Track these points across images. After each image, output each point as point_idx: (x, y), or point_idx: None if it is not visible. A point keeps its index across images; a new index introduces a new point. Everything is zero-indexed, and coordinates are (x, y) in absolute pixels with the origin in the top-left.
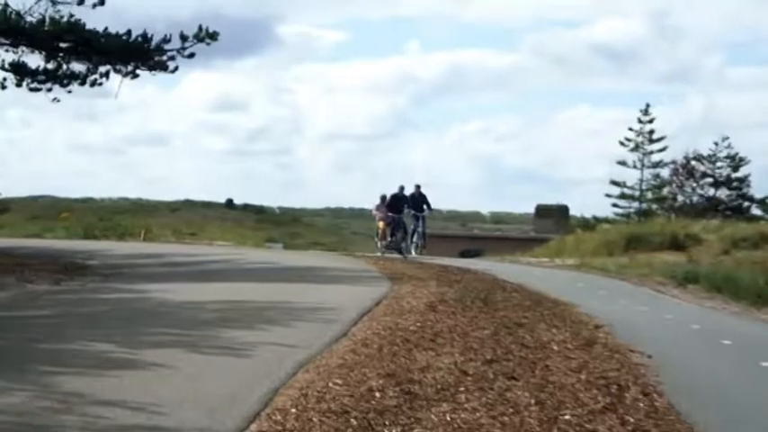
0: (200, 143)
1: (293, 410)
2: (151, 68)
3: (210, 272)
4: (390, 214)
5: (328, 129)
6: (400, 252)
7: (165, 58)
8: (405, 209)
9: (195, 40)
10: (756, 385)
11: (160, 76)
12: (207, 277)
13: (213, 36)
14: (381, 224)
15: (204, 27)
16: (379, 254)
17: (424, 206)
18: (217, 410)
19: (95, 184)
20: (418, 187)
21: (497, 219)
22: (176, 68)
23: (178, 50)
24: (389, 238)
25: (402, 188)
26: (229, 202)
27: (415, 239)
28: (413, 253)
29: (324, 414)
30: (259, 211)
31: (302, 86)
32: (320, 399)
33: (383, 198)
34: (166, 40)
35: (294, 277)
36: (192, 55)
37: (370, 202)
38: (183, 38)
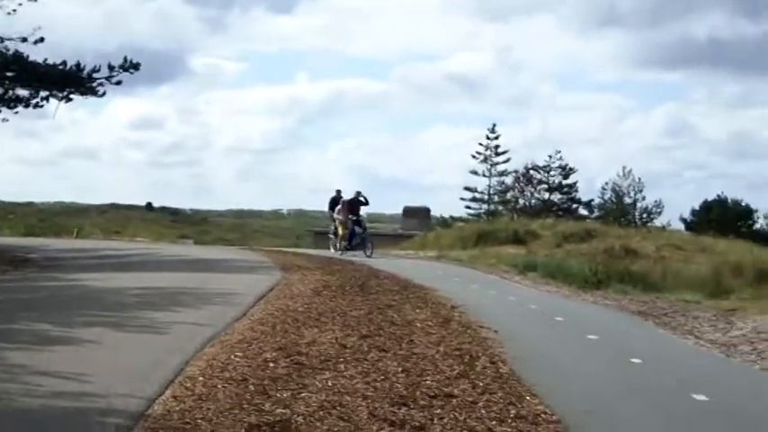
0: (123, 156)
1: (201, 378)
2: (83, 93)
3: (132, 263)
4: (351, 216)
5: (231, 144)
6: (363, 250)
7: (95, 84)
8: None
9: (121, 70)
10: (583, 353)
11: (91, 99)
12: (129, 268)
13: (136, 66)
14: (341, 225)
15: (129, 59)
16: (338, 253)
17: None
18: (137, 379)
19: (36, 191)
20: (358, 193)
21: (373, 218)
22: (104, 93)
23: (106, 78)
24: (350, 240)
25: (339, 192)
26: (149, 206)
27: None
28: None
29: (227, 381)
30: (174, 213)
31: (210, 108)
32: (224, 368)
33: (336, 200)
34: (96, 69)
35: (202, 268)
36: (119, 82)
37: (266, 204)
38: (111, 68)
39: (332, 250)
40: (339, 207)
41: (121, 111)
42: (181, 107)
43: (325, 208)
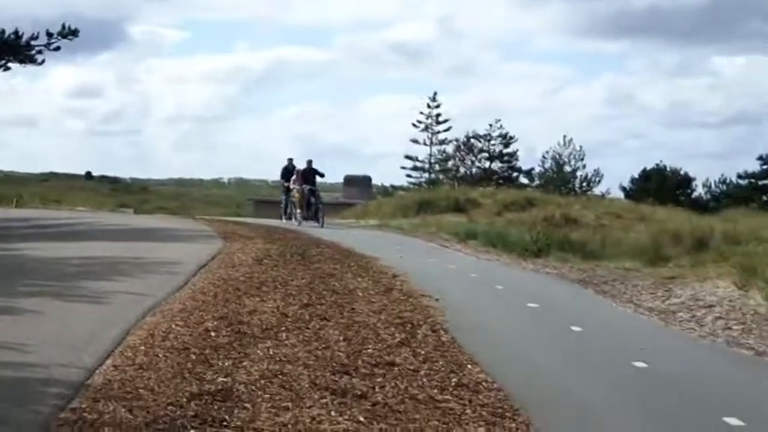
0: (63, 124)
1: (142, 348)
2: (21, 61)
3: (73, 233)
4: (306, 186)
5: (172, 112)
6: (317, 221)
7: (33, 52)
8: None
9: (59, 37)
10: (524, 321)
11: (29, 67)
12: (70, 237)
13: (75, 33)
14: (298, 195)
15: (67, 25)
16: (295, 223)
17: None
18: (78, 349)
19: None
20: (310, 162)
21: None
22: (43, 61)
23: (45, 45)
24: (305, 209)
25: (291, 160)
26: (88, 174)
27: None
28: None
29: (168, 350)
30: (113, 182)
31: (150, 77)
32: (165, 338)
33: (290, 169)
34: (34, 36)
35: (143, 237)
36: (57, 48)
37: (206, 173)
38: (49, 35)
39: (282, 220)
40: (294, 177)
41: (61, 79)
42: (120, 75)
43: (268, 177)
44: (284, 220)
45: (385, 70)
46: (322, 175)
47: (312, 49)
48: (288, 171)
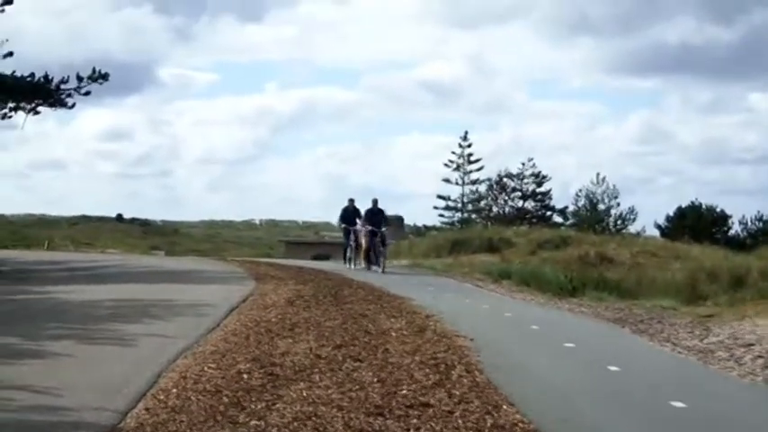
0: (93, 167)
1: (174, 391)
2: (52, 105)
3: (104, 275)
4: (371, 228)
5: (202, 154)
6: (378, 265)
7: (63, 95)
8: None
9: (89, 81)
10: (560, 361)
11: (59, 111)
12: (101, 280)
13: (105, 77)
14: (365, 240)
15: (97, 69)
16: (359, 267)
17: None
18: (109, 392)
19: (5, 204)
20: (375, 202)
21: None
22: (74, 105)
23: (75, 89)
24: (369, 254)
25: (353, 201)
26: (119, 217)
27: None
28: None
29: (200, 393)
30: (144, 224)
31: (179, 119)
32: (197, 380)
33: (349, 210)
34: (64, 80)
35: (174, 279)
36: (87, 93)
37: (237, 215)
38: (79, 78)
39: (347, 265)
40: (361, 219)
41: (90, 122)
42: (150, 118)
43: (298, 218)
44: (348, 266)
45: (415, 109)
46: (387, 221)
47: (340, 89)
48: (347, 212)
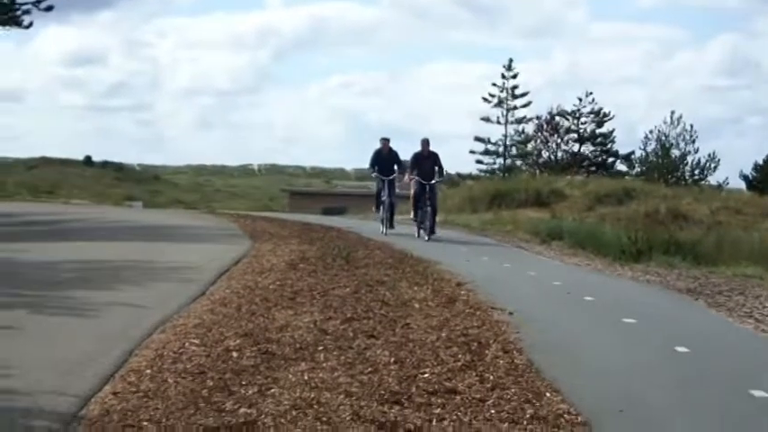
0: (55, 98)
1: (148, 371)
2: (4, 23)
3: (67, 231)
4: (418, 179)
5: (188, 84)
6: (424, 228)
7: (19, 12)
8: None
9: None
10: (617, 341)
11: (14, 31)
12: (63, 236)
13: None
14: (412, 196)
15: None
16: (398, 230)
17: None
18: (70, 373)
19: None
20: (426, 143)
21: (362, 176)
22: (31, 24)
23: (34, 3)
24: (418, 213)
25: (387, 141)
26: (88, 160)
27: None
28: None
29: (180, 375)
30: (118, 169)
31: (161, 40)
32: (176, 359)
33: (383, 153)
34: None
35: (153, 236)
36: (49, 8)
37: (231, 159)
38: None
39: (382, 228)
40: (407, 165)
41: (53, 43)
42: (125, 39)
43: (305, 162)
44: (383, 229)
45: (447, 31)
46: (441, 170)
47: (357, 3)
48: (381, 157)
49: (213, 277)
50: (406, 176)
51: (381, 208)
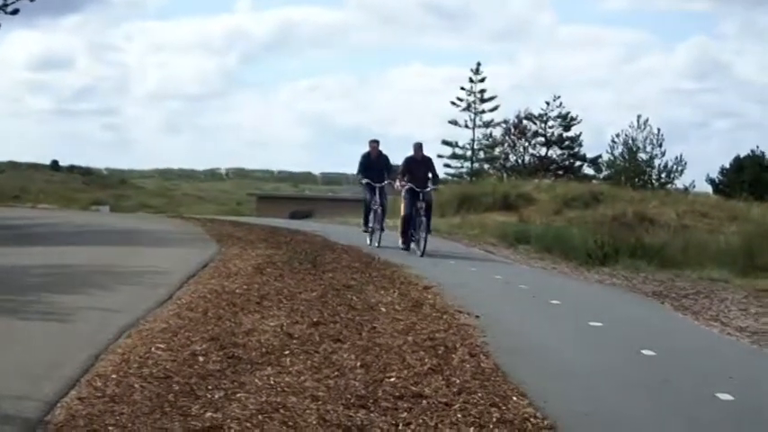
0: (21, 102)
1: (114, 376)
2: None
3: (33, 235)
4: (411, 186)
5: (156, 88)
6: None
7: None
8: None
9: None
10: (584, 344)
11: None
12: (29, 241)
13: None
14: (404, 205)
15: None
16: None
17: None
18: (35, 378)
19: None
20: (419, 147)
21: (330, 180)
22: None
23: (0, 7)
24: (411, 226)
25: (376, 143)
26: (54, 164)
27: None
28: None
29: (145, 379)
30: (85, 173)
31: (129, 44)
32: (142, 364)
33: (372, 158)
34: None
35: (120, 240)
36: (15, 12)
37: (199, 163)
38: None
39: (369, 241)
40: (398, 170)
41: (19, 47)
42: (92, 42)
43: (272, 166)
44: (371, 242)
45: (416, 35)
46: (435, 177)
47: (325, 8)
48: (369, 161)
49: (179, 281)
50: (397, 183)
51: (371, 218)
